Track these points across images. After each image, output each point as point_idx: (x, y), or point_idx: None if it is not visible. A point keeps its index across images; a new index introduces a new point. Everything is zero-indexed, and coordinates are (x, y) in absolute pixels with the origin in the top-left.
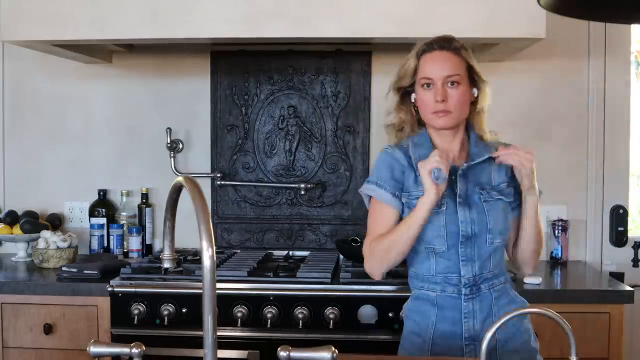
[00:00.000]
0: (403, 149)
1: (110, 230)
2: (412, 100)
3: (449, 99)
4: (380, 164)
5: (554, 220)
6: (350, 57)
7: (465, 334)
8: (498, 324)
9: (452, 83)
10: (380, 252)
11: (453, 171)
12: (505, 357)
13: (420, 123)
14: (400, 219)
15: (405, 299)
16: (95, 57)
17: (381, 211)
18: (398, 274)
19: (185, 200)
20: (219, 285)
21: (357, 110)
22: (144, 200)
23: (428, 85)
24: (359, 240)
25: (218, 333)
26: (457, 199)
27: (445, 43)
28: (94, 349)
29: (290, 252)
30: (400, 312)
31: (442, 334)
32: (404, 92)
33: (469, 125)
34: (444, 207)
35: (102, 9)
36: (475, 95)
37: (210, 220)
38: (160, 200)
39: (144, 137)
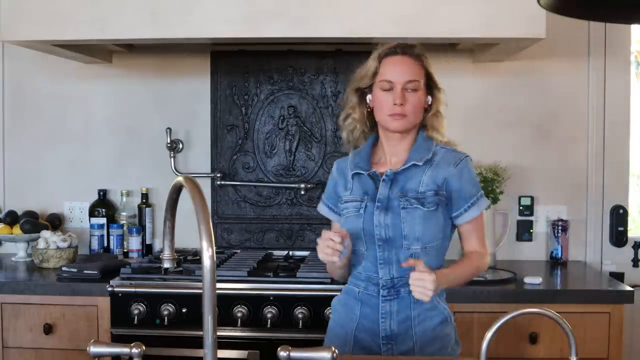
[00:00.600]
0: (346, 159)
1: (110, 230)
2: (367, 101)
3: (406, 103)
4: (329, 179)
5: (554, 220)
6: (350, 57)
7: (382, 333)
8: (497, 325)
9: (411, 89)
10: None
11: (377, 177)
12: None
13: (372, 124)
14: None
15: None
16: (95, 57)
17: (333, 225)
18: None
19: (185, 200)
20: (219, 285)
21: None
22: (144, 200)
23: (388, 90)
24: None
25: (218, 333)
26: (376, 203)
27: (408, 49)
28: (94, 349)
29: (290, 252)
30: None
31: (363, 329)
32: (361, 93)
33: (421, 129)
34: (362, 210)
35: (102, 9)
36: (430, 102)
37: (210, 220)
38: (160, 200)
39: (144, 137)
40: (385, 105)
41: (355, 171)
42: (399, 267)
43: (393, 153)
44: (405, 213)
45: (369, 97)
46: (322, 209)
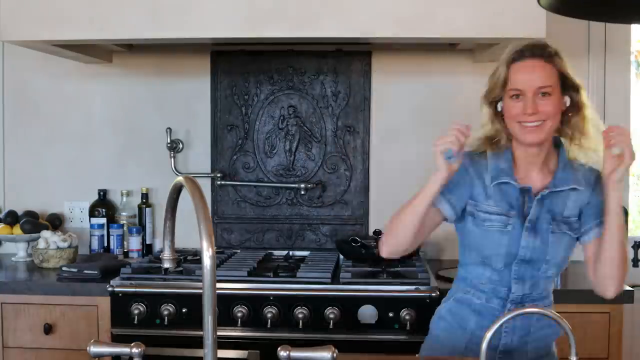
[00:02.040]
0: (477, 157)
1: (110, 230)
2: (499, 110)
3: (540, 109)
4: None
5: None
6: (350, 57)
7: (502, 347)
8: (497, 325)
9: (544, 94)
10: (390, 223)
11: (529, 193)
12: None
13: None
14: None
15: (406, 299)
16: (95, 57)
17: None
18: (399, 274)
19: (185, 200)
20: (219, 285)
21: (357, 110)
22: (144, 200)
23: (517, 96)
24: (359, 240)
25: (218, 333)
26: (526, 223)
27: (537, 50)
28: (94, 349)
29: (290, 252)
30: (433, 315)
31: (477, 343)
32: (495, 104)
33: (559, 141)
34: (510, 227)
35: (102, 9)
36: (567, 104)
37: (210, 220)
38: (160, 200)
39: (144, 137)
40: (515, 114)
41: (502, 180)
42: (532, 285)
43: (530, 164)
44: (553, 238)
45: (499, 104)
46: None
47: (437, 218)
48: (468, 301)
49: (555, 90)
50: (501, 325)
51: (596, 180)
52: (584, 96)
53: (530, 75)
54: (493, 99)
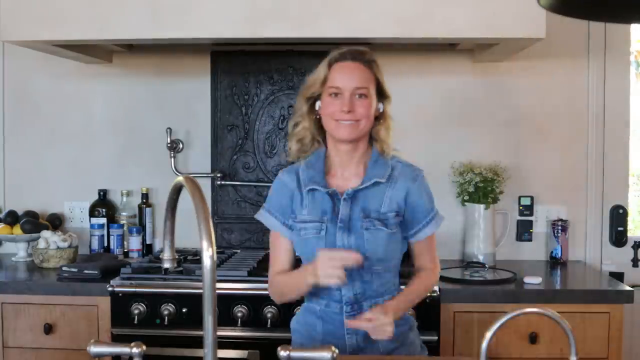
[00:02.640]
0: (294, 170)
1: (110, 230)
2: (317, 109)
3: (355, 109)
4: (273, 191)
5: (554, 220)
6: None
7: (349, 348)
8: (497, 325)
9: (360, 95)
10: (276, 294)
11: (336, 196)
12: None
13: (322, 135)
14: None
15: None
16: (95, 57)
17: (275, 239)
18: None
19: (185, 200)
20: (219, 285)
21: None
22: (144, 200)
23: (336, 94)
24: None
25: (218, 333)
26: (338, 224)
27: (358, 55)
28: (94, 349)
29: None
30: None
31: (325, 343)
32: (312, 102)
33: (372, 141)
34: (323, 232)
35: (102, 9)
36: (381, 110)
37: (210, 220)
38: (160, 200)
39: (144, 137)
40: (332, 111)
41: (311, 187)
42: (362, 284)
43: (344, 166)
44: (368, 234)
45: (318, 103)
46: (272, 223)
47: (285, 240)
48: (312, 309)
49: (370, 93)
50: (345, 329)
51: (414, 179)
52: (389, 107)
53: (349, 75)
54: (311, 95)
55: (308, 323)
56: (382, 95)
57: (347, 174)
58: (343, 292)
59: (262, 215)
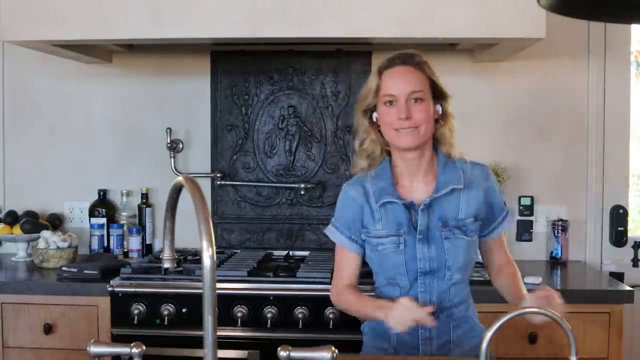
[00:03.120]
0: (361, 183)
1: (110, 230)
2: (374, 120)
3: (413, 115)
4: (340, 205)
5: (554, 220)
6: (350, 57)
7: (422, 352)
8: (497, 325)
9: (416, 99)
10: (341, 306)
11: (413, 206)
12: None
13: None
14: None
15: None
16: (95, 57)
17: (342, 253)
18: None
19: (185, 200)
20: (219, 285)
21: None
22: (144, 200)
23: (391, 102)
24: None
25: (218, 333)
26: (417, 236)
27: (407, 58)
28: (94, 349)
29: (290, 252)
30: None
31: (397, 352)
32: (370, 114)
33: (436, 146)
34: (402, 246)
35: (102, 9)
36: (440, 112)
37: (210, 220)
38: (160, 200)
39: (144, 137)
40: (390, 120)
41: (385, 200)
42: (440, 295)
43: (412, 174)
44: (448, 244)
45: (374, 115)
46: (338, 238)
47: (359, 258)
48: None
49: (426, 96)
50: (419, 339)
51: (487, 178)
52: (450, 106)
53: (402, 81)
54: (367, 108)
55: (382, 331)
56: (438, 96)
57: (416, 182)
58: (420, 302)
59: (330, 230)
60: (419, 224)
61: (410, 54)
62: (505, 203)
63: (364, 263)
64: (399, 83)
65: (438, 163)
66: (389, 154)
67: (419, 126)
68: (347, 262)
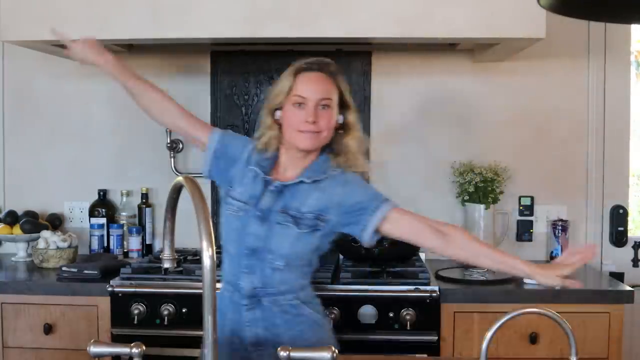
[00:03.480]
0: (253, 145)
1: (110, 230)
2: (277, 117)
3: (319, 121)
4: (236, 138)
5: (554, 220)
6: (350, 57)
7: (249, 340)
8: (497, 325)
9: (324, 106)
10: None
11: (266, 184)
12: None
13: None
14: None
15: (406, 299)
16: None
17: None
18: (399, 274)
19: (185, 200)
20: (219, 285)
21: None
22: (144, 200)
23: (300, 104)
24: (359, 240)
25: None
26: (256, 212)
27: (324, 65)
28: (94, 349)
29: None
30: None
31: (231, 333)
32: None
33: (326, 150)
34: (242, 213)
35: (102, 9)
36: (340, 121)
37: (210, 220)
38: (160, 200)
39: (144, 137)
40: (296, 121)
41: (254, 167)
42: (262, 278)
43: (291, 166)
44: (279, 229)
45: (278, 112)
46: (207, 156)
47: (198, 139)
48: (222, 296)
49: (333, 104)
50: (244, 321)
51: (344, 184)
52: (355, 117)
53: (315, 86)
54: (275, 107)
55: (219, 309)
56: (343, 106)
57: (289, 173)
58: (242, 284)
59: (218, 132)
60: (262, 202)
61: (327, 62)
62: (378, 197)
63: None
64: (312, 88)
65: (313, 162)
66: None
67: (321, 131)
68: (200, 124)
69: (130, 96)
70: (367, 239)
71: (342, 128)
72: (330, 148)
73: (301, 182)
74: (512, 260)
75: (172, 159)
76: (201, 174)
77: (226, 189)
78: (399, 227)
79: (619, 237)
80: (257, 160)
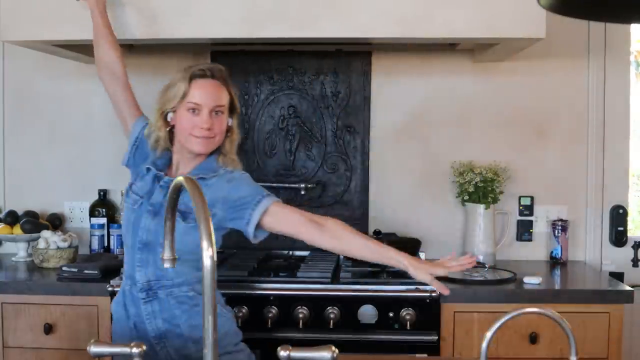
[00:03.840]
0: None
1: (110, 230)
2: (169, 120)
3: (213, 126)
4: (138, 135)
5: (554, 220)
6: (350, 57)
7: (152, 332)
8: (497, 325)
9: (217, 112)
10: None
11: (158, 179)
12: (199, 352)
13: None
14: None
15: (406, 298)
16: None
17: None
18: (399, 273)
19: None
20: (219, 285)
21: (357, 110)
22: None
23: (194, 110)
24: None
25: None
26: (148, 207)
27: (217, 72)
28: (94, 349)
29: (291, 252)
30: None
31: (136, 328)
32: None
33: (216, 153)
34: (137, 206)
35: None
36: (230, 124)
37: (210, 220)
38: None
39: None
40: (189, 126)
41: (150, 165)
42: (156, 271)
43: (183, 165)
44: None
45: (170, 115)
46: (137, 127)
47: (130, 119)
48: (122, 291)
49: (225, 110)
50: (143, 315)
51: (230, 180)
52: (238, 120)
53: (210, 94)
54: (168, 110)
55: (121, 304)
56: (232, 110)
57: (180, 171)
58: (137, 277)
59: (142, 121)
60: (153, 196)
61: (219, 68)
62: (261, 193)
63: None
64: (207, 95)
65: (202, 162)
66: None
67: (215, 136)
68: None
69: (93, 36)
70: (251, 233)
71: (229, 130)
72: (218, 149)
73: (200, 179)
74: (388, 251)
75: None
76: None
77: (130, 182)
78: (278, 220)
79: (618, 237)
80: (153, 159)
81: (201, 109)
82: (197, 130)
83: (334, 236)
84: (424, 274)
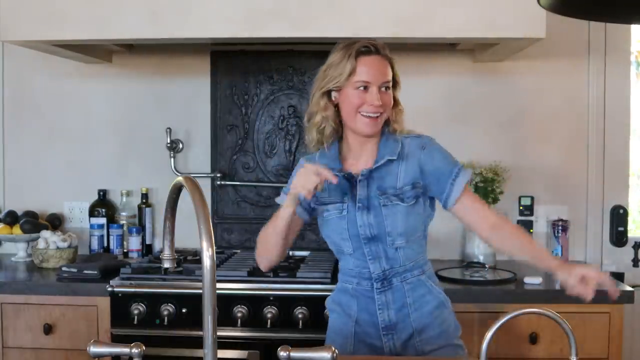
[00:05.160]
0: (313, 158)
1: (110, 230)
2: (333, 99)
3: (383, 102)
4: (293, 175)
5: (554, 220)
6: None
7: (382, 324)
8: (497, 325)
9: (386, 88)
10: (261, 247)
11: (352, 177)
12: (422, 345)
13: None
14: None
15: None
16: (95, 57)
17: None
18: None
19: (185, 200)
20: (219, 285)
21: None
22: (144, 200)
23: (365, 87)
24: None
25: (218, 333)
26: (357, 204)
27: (381, 49)
28: (94, 349)
29: (290, 252)
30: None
31: (362, 322)
32: (329, 93)
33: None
34: (345, 211)
35: (102, 9)
36: (396, 97)
37: (210, 220)
38: (160, 200)
39: (144, 137)
40: (359, 103)
41: (335, 173)
42: (388, 260)
43: (362, 150)
44: (386, 210)
45: (334, 94)
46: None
47: (300, 223)
48: (345, 288)
49: (391, 85)
50: (376, 305)
51: (422, 147)
52: (399, 93)
53: (378, 70)
54: (333, 88)
55: (343, 302)
56: (394, 85)
57: (364, 158)
58: (371, 269)
59: (280, 198)
60: (358, 193)
61: (382, 45)
62: (456, 165)
63: None
64: (375, 72)
65: (381, 139)
66: (336, 131)
67: (384, 112)
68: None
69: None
70: (454, 203)
71: (396, 103)
72: (383, 130)
73: (389, 160)
74: (548, 260)
75: (172, 159)
76: (201, 173)
77: (313, 202)
78: (466, 203)
79: (619, 237)
80: (324, 164)
81: (370, 86)
82: (367, 107)
83: (499, 238)
84: (574, 277)
